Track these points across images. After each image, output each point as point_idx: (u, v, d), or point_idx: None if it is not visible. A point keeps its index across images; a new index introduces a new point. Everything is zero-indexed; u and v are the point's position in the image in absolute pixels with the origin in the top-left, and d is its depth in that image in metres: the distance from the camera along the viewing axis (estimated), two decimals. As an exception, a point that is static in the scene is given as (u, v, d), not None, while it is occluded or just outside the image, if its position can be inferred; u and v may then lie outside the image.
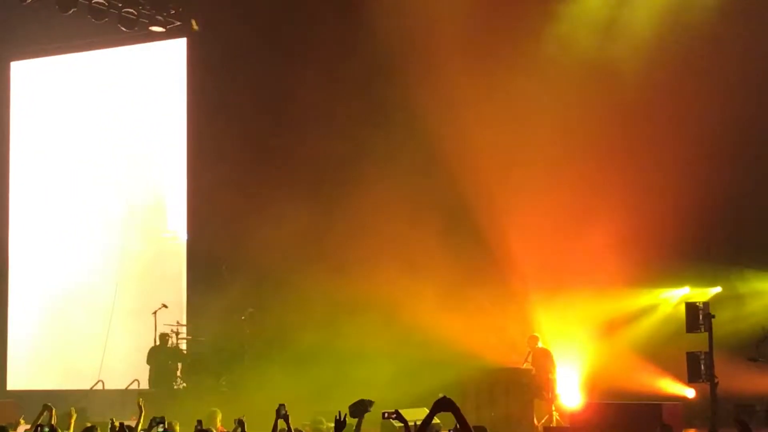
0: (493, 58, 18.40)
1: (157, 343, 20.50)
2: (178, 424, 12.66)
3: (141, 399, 12.45)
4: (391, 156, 19.26)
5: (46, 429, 10.69)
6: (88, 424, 13.53)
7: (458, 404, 7.02)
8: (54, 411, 12.61)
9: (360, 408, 11.39)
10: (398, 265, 18.20)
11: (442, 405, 7.01)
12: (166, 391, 19.91)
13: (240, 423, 11.25)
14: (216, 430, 12.33)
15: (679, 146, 17.06)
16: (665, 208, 16.71)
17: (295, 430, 10.59)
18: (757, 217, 17.73)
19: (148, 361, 20.33)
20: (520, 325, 18.12)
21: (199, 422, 11.16)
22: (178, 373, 20.36)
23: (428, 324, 17.57)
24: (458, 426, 6.98)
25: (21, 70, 25.49)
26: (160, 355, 20.36)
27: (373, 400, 11.50)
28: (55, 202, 24.88)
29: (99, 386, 21.41)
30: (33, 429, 10.86)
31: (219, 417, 13.93)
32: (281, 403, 10.24)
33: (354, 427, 11.34)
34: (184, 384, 20.12)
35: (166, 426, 10.46)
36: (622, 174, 17.68)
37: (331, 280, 18.62)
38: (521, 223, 17.95)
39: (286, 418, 10.26)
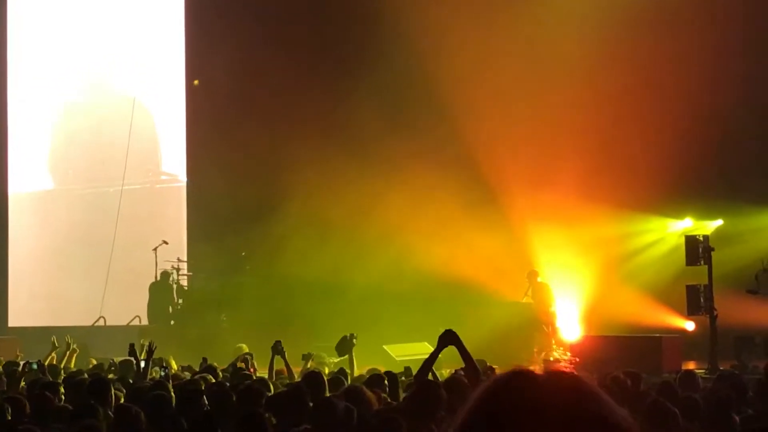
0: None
1: (158, 279, 20.59)
2: (172, 358, 12.70)
3: (142, 340, 12.50)
4: (390, 91, 19.18)
5: (34, 365, 10.75)
6: (94, 361, 13.67)
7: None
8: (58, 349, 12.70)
9: (346, 345, 11.44)
10: (396, 200, 18.15)
11: (447, 338, 7.09)
12: (167, 327, 20.02)
13: (245, 360, 11.31)
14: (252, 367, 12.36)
15: (684, 77, 16.98)
16: (669, 140, 16.65)
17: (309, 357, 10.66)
18: (759, 151, 17.71)
19: (150, 297, 20.47)
20: (520, 260, 18.14)
21: (204, 359, 11.21)
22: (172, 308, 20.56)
23: (429, 260, 17.59)
24: (463, 360, 7.04)
25: None
26: (160, 291, 20.46)
27: (354, 333, 11.53)
28: (54, 137, 24.79)
29: (100, 323, 21.51)
30: (22, 366, 10.93)
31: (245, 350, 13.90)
32: (277, 339, 10.28)
33: (348, 363, 11.38)
34: (181, 320, 20.30)
35: (163, 363, 10.54)
36: (624, 105, 17.60)
37: (330, 216, 18.60)
38: (520, 158, 17.89)
39: (282, 354, 10.30)
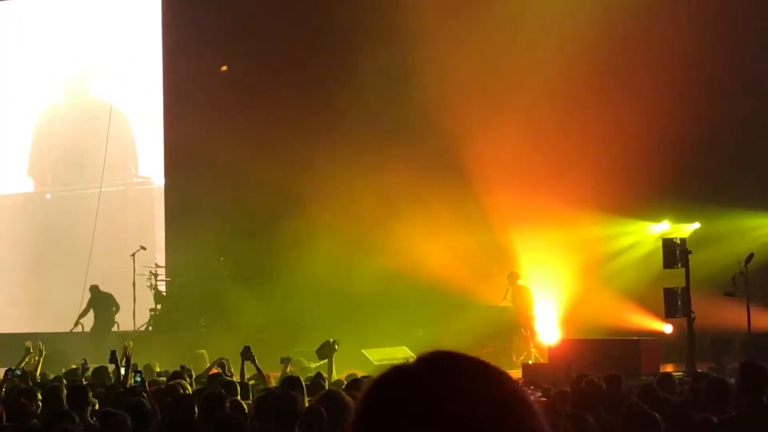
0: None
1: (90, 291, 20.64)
2: (157, 364, 12.67)
3: (129, 342, 12.45)
4: (373, 92, 19.17)
5: (17, 372, 10.69)
6: (73, 365, 13.61)
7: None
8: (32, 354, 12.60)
9: (327, 350, 11.43)
10: (377, 204, 18.15)
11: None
12: (145, 332, 19.95)
13: (221, 365, 11.27)
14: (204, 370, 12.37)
15: (661, 80, 17.06)
16: (647, 144, 16.71)
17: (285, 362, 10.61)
18: (736, 154, 17.82)
19: (85, 310, 20.47)
20: (500, 263, 18.15)
21: (182, 366, 11.15)
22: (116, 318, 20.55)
23: (408, 264, 17.58)
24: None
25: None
26: (100, 301, 20.47)
27: (337, 339, 11.53)
28: (32, 140, 24.66)
29: (78, 329, 21.39)
30: (5, 373, 10.87)
31: (207, 358, 13.93)
32: (246, 345, 10.22)
33: (326, 368, 11.38)
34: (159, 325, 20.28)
35: (145, 368, 10.47)
36: (601, 108, 17.65)
37: (310, 221, 18.57)
38: (501, 160, 17.90)
39: (252, 360, 10.26)
